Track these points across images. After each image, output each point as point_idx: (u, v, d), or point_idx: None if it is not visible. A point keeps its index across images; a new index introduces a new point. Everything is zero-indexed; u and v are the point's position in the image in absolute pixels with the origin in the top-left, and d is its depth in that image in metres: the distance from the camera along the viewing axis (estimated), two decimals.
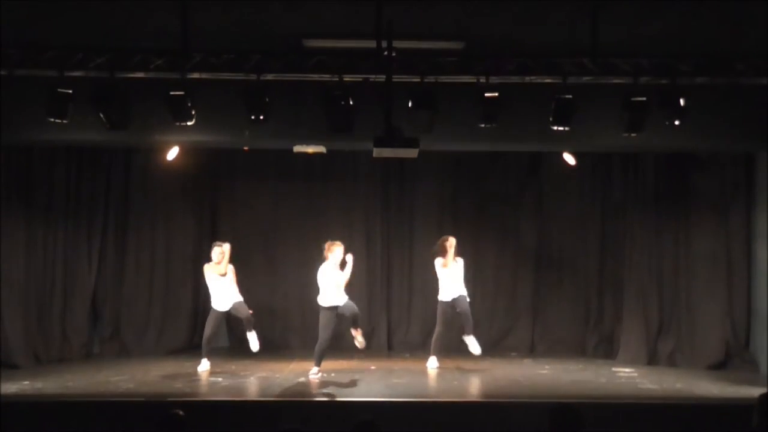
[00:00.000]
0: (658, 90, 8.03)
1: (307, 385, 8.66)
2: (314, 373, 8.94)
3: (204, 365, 9.43)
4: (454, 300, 9.62)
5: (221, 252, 9.49)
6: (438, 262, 9.67)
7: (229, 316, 9.99)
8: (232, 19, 7.37)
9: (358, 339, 9.21)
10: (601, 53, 7.72)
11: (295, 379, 8.93)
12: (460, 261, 9.74)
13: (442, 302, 9.71)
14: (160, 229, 11.48)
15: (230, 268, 9.55)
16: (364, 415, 4.95)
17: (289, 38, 7.86)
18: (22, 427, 7.10)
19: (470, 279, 11.44)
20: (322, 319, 8.98)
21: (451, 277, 9.65)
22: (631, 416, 7.49)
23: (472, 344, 9.64)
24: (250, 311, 9.55)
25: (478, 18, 7.28)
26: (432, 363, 9.74)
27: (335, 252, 9.02)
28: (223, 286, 9.48)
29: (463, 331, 9.70)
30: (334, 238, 9.22)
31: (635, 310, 10.47)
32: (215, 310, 9.54)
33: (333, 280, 8.94)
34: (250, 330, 9.55)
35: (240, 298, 9.57)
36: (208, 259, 9.64)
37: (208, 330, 9.54)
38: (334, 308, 8.94)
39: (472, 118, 8.17)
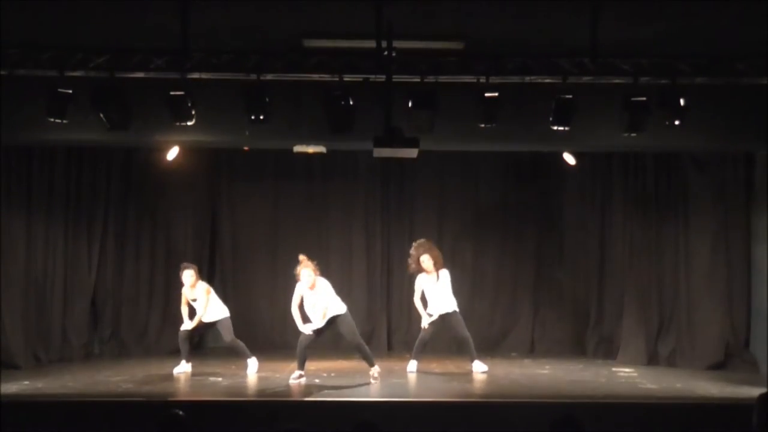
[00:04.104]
0: (658, 90, 8.03)
1: (306, 385, 8.65)
2: (294, 377, 8.75)
3: (181, 367, 9.30)
4: (441, 316, 9.43)
5: (191, 274, 9.27)
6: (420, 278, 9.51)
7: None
8: (232, 19, 7.36)
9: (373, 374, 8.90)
10: (601, 53, 7.70)
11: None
12: (443, 273, 9.47)
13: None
14: (160, 229, 11.50)
15: (203, 288, 9.30)
16: (364, 415, 4.95)
17: (289, 38, 7.86)
18: (22, 427, 7.09)
19: (470, 279, 11.49)
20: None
21: (434, 291, 9.46)
22: (631, 416, 7.48)
23: (479, 367, 9.44)
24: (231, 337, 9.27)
25: (478, 18, 7.26)
26: (411, 366, 9.53)
27: (302, 273, 8.81)
28: (197, 308, 9.29)
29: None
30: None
31: (635, 310, 10.47)
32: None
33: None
34: (246, 357, 9.35)
35: (224, 315, 9.37)
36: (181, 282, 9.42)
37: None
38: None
39: (472, 118, 8.17)
